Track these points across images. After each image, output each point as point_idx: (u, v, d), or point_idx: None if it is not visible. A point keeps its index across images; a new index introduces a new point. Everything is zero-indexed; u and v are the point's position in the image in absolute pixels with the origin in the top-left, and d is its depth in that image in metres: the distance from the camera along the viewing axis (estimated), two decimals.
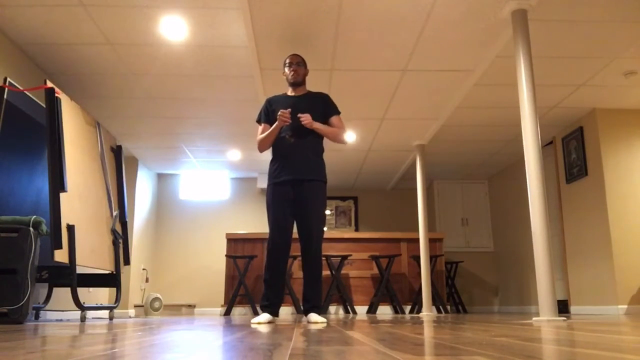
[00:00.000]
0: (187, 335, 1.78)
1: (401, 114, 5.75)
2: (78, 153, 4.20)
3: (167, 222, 8.49)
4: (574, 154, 6.04)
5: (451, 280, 7.49)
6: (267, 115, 3.46)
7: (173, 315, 7.08)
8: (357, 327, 2.42)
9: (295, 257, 6.49)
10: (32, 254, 3.55)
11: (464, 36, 4.15)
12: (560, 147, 6.36)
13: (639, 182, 5.52)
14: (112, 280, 4.60)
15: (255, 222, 8.55)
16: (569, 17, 3.94)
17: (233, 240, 6.76)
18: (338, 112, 3.48)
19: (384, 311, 6.65)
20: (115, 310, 6.53)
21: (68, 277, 3.86)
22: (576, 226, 5.99)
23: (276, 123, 3.31)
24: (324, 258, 6.63)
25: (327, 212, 9.03)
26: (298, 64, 3.46)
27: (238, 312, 6.54)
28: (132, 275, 7.33)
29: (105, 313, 6.41)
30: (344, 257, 6.30)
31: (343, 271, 6.78)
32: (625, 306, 5.21)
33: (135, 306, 7.46)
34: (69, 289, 4.14)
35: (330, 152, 7.14)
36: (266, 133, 3.38)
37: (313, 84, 4.94)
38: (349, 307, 6.38)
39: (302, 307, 3.32)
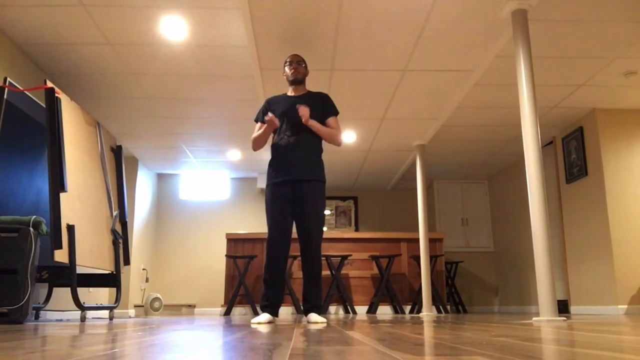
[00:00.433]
0: (187, 335, 1.78)
1: (401, 114, 5.75)
2: (78, 153, 4.20)
3: (167, 222, 8.49)
4: (574, 154, 6.05)
5: (451, 280, 7.49)
6: (264, 115, 3.46)
7: (173, 315, 7.08)
8: (357, 327, 2.42)
9: (295, 257, 6.49)
10: (32, 254, 3.55)
11: (464, 36, 4.15)
12: (560, 147, 6.36)
13: (639, 182, 5.52)
14: (112, 280, 4.60)
15: (255, 222, 8.55)
16: (569, 17, 3.94)
17: (233, 240, 6.76)
18: (336, 114, 3.48)
19: (384, 311, 6.65)
20: (115, 310, 6.53)
21: (68, 277, 3.86)
22: (576, 226, 5.99)
23: (266, 125, 3.33)
24: (324, 258, 6.62)
25: (327, 212, 9.03)
26: (298, 62, 3.47)
27: (238, 312, 6.54)
28: (132, 275, 7.33)
29: (105, 313, 6.41)
30: (344, 257, 6.30)
31: (343, 271, 6.78)
32: (625, 306, 5.21)
33: (135, 306, 7.46)
34: (69, 289, 4.14)
35: (330, 152, 7.14)
36: (258, 133, 3.40)
37: (313, 84, 4.94)
38: (349, 307, 6.38)
39: (302, 307, 3.32)
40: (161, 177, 8.63)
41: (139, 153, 7.39)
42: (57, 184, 3.75)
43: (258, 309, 5.96)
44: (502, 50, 4.36)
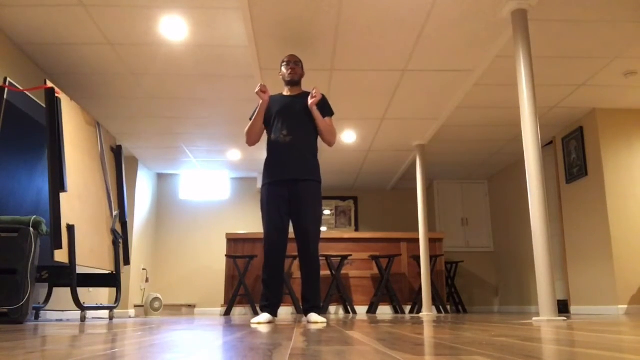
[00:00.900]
0: (187, 335, 1.78)
1: (401, 114, 5.75)
2: (78, 153, 4.20)
3: (167, 222, 8.49)
4: (574, 154, 6.05)
5: (451, 280, 7.49)
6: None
7: (173, 315, 7.08)
8: (357, 327, 2.42)
9: (294, 257, 6.49)
10: (32, 254, 3.55)
11: (464, 36, 4.15)
12: (560, 147, 6.36)
13: (639, 182, 5.52)
14: (112, 280, 4.60)
15: (255, 222, 8.55)
16: (569, 17, 3.94)
17: (233, 240, 6.76)
18: (331, 114, 3.48)
19: (384, 311, 6.65)
20: (115, 310, 6.53)
21: (68, 277, 3.86)
22: (576, 226, 5.99)
23: (259, 105, 3.33)
24: (324, 258, 6.62)
25: (327, 212, 9.03)
26: (296, 63, 3.48)
27: (238, 312, 6.54)
28: (132, 275, 7.33)
29: (105, 313, 6.41)
30: (344, 257, 6.30)
31: (343, 271, 6.78)
32: (625, 306, 5.20)
33: (135, 306, 7.46)
34: (69, 289, 4.14)
35: (330, 152, 7.14)
36: (251, 121, 3.41)
37: (313, 84, 4.94)
38: (349, 307, 6.38)
39: (302, 307, 3.32)
40: (161, 177, 8.63)
41: (139, 153, 7.39)
42: (57, 184, 3.75)
43: (258, 309, 5.96)
44: (502, 50, 4.36)
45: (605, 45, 4.36)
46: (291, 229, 4.39)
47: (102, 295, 6.65)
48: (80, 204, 4.12)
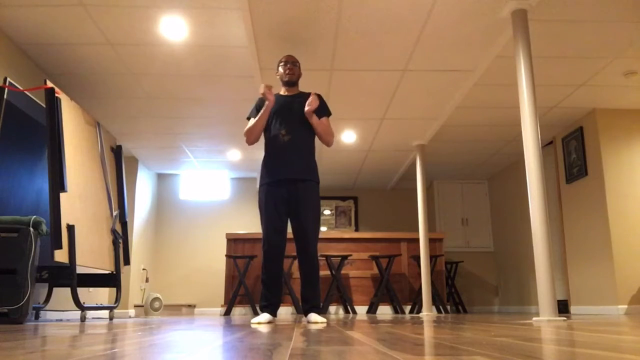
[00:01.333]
0: (187, 335, 1.78)
1: (401, 114, 5.75)
2: (78, 153, 4.20)
3: (167, 222, 8.49)
4: (574, 154, 6.05)
5: (451, 280, 7.49)
6: (258, 111, 3.44)
7: (173, 315, 7.08)
8: (357, 327, 2.42)
9: (294, 257, 6.49)
10: (32, 254, 3.55)
11: (464, 36, 4.15)
12: (560, 147, 6.36)
13: (639, 182, 5.52)
14: (112, 280, 4.60)
15: (255, 222, 8.55)
16: (569, 17, 3.94)
17: (233, 240, 6.76)
18: (329, 114, 3.47)
19: (384, 311, 6.65)
20: (115, 310, 6.53)
21: (68, 277, 3.86)
22: (576, 226, 5.99)
23: (265, 106, 3.31)
24: (324, 258, 6.62)
25: (327, 212, 9.03)
26: (293, 63, 3.47)
27: (238, 312, 6.54)
28: (132, 275, 7.33)
29: (105, 313, 6.41)
30: (344, 257, 6.30)
31: (343, 271, 6.78)
32: (625, 306, 5.21)
33: (135, 306, 7.46)
34: (69, 289, 4.14)
35: (330, 152, 7.14)
36: (254, 121, 3.36)
37: (313, 84, 4.94)
38: (349, 307, 6.38)
39: (301, 307, 3.32)
40: (161, 177, 8.63)
41: (139, 153, 7.39)
42: (57, 184, 3.75)
43: (258, 309, 5.96)
44: (502, 50, 4.36)
45: (605, 45, 4.36)
46: (290, 229, 4.39)
47: (102, 295, 6.65)
48: (80, 204, 4.12)
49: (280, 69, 3.48)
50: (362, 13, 3.82)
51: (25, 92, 4.37)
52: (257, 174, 8.54)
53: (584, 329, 2.00)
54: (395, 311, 6.54)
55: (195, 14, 3.93)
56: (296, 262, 6.66)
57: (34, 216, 3.65)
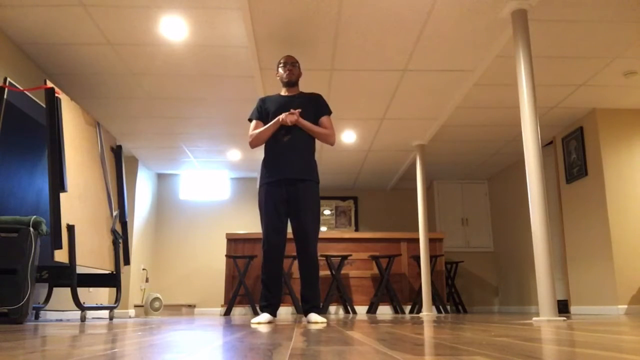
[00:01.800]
0: (187, 335, 1.78)
1: (401, 114, 5.75)
2: (78, 153, 4.20)
3: (167, 222, 8.49)
4: (574, 154, 6.04)
5: (451, 280, 7.49)
6: (260, 113, 3.45)
7: (173, 315, 7.08)
8: (357, 327, 2.42)
9: (294, 257, 6.49)
10: (32, 254, 3.55)
11: (464, 36, 4.15)
12: (560, 147, 6.36)
13: (639, 182, 5.52)
14: (112, 280, 4.61)
15: (255, 222, 8.55)
16: (569, 17, 3.94)
17: (233, 240, 6.76)
18: (329, 113, 3.48)
19: (384, 311, 6.65)
20: (115, 310, 6.53)
21: (68, 277, 3.86)
22: (576, 226, 5.99)
23: (274, 120, 3.30)
24: (323, 258, 6.63)
25: (327, 212, 9.03)
26: (293, 64, 3.47)
27: (238, 312, 6.54)
28: (132, 275, 7.33)
29: (105, 313, 6.41)
30: (344, 257, 6.30)
31: (343, 271, 6.78)
32: (625, 306, 5.21)
33: (135, 306, 7.46)
34: (69, 289, 4.14)
35: (330, 152, 7.14)
36: (262, 129, 3.36)
37: (313, 84, 4.94)
38: (349, 307, 6.38)
39: (301, 307, 3.32)
40: (161, 177, 8.63)
41: (139, 153, 7.39)
42: (57, 184, 3.75)
43: (258, 309, 5.96)
44: (502, 50, 4.36)
45: (605, 45, 4.36)
46: (290, 229, 4.39)
47: (102, 295, 6.65)
48: (80, 204, 4.12)
49: (280, 70, 3.48)
50: (362, 13, 3.82)
51: (25, 92, 4.37)
52: (257, 174, 8.54)
53: (584, 329, 2.00)
54: (395, 311, 6.54)
55: (195, 14, 3.93)
56: (296, 262, 6.66)
57: (34, 216, 3.65)
